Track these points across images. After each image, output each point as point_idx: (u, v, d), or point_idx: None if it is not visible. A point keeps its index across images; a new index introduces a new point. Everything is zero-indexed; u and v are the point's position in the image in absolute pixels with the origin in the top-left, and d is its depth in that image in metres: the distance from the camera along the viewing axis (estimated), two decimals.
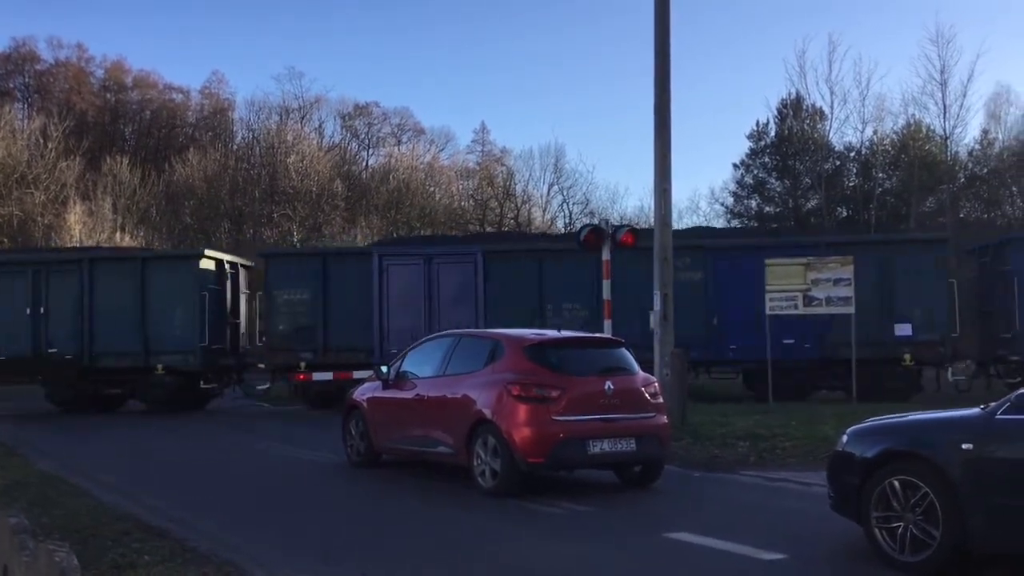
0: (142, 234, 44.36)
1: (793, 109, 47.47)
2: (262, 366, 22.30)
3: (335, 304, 20.99)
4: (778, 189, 49.01)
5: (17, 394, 23.31)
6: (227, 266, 22.82)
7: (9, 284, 21.76)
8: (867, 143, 46.18)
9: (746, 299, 19.10)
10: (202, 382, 21.73)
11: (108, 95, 61.87)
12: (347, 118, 60.82)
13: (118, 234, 42.39)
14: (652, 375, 11.57)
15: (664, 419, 10.51)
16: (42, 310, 21.44)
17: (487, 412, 10.04)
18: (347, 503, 10.09)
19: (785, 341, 19.10)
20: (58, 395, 22.01)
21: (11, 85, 59.89)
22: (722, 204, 50.34)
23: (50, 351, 21.43)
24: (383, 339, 20.46)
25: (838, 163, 47.44)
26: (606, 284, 15.92)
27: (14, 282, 21.74)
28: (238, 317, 23.21)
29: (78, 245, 33.42)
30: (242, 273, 23.66)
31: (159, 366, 21.07)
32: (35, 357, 21.49)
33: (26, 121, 51.02)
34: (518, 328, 12.38)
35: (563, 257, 20.38)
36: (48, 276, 21.64)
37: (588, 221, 40.89)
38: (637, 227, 20.05)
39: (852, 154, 46.98)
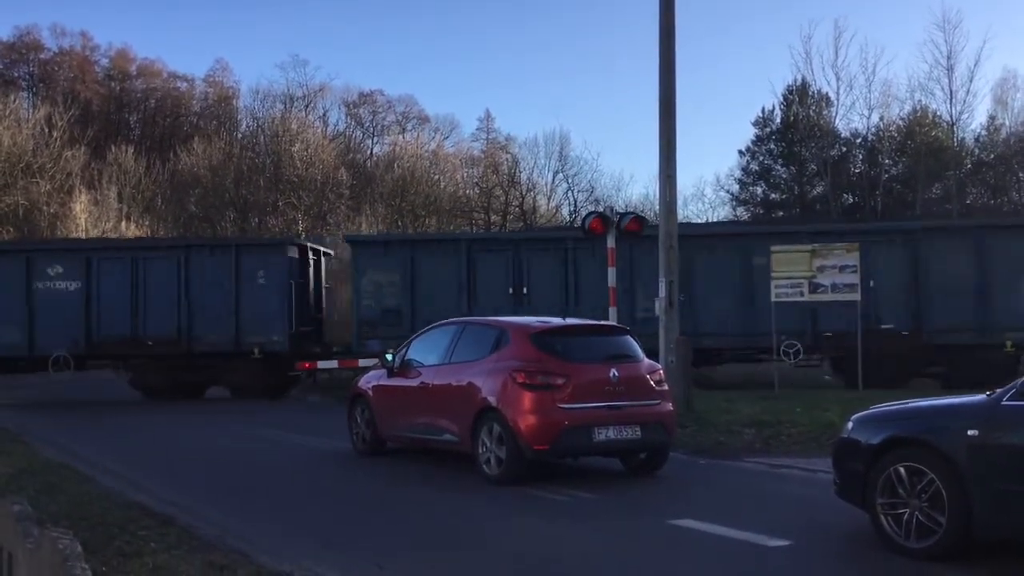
0: (147, 223, 44.45)
1: (799, 95, 47.25)
2: None
3: None
4: (784, 176, 48.91)
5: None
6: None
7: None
8: (873, 129, 46.07)
9: None
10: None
11: (113, 84, 61.92)
12: (351, 106, 60.83)
13: (123, 223, 42.49)
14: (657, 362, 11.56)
15: (669, 406, 10.50)
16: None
17: (492, 400, 10.05)
18: (351, 491, 10.10)
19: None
20: None
21: (16, 74, 59.99)
22: (727, 191, 50.34)
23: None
24: None
25: (844, 149, 47.28)
26: (611, 271, 15.91)
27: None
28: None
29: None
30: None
31: None
32: None
33: (31, 110, 51.11)
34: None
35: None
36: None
37: (593, 208, 40.89)
38: (642, 214, 19.88)
39: (858, 140, 46.85)
